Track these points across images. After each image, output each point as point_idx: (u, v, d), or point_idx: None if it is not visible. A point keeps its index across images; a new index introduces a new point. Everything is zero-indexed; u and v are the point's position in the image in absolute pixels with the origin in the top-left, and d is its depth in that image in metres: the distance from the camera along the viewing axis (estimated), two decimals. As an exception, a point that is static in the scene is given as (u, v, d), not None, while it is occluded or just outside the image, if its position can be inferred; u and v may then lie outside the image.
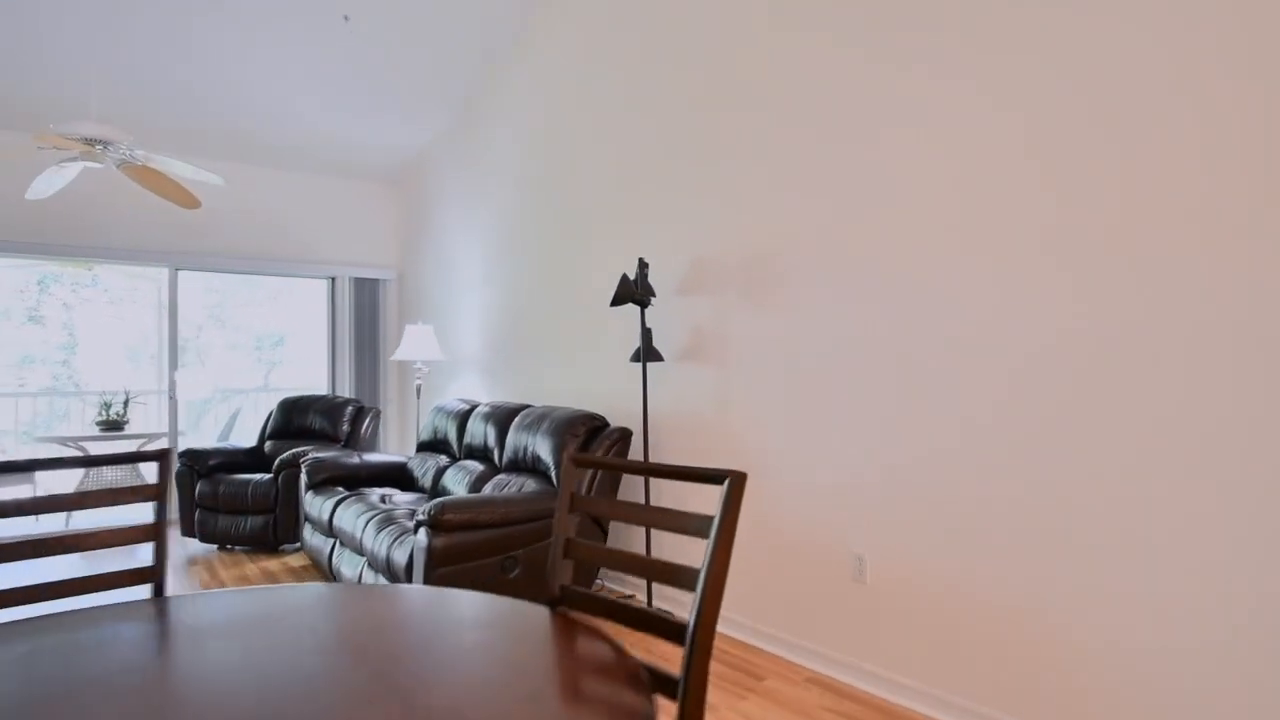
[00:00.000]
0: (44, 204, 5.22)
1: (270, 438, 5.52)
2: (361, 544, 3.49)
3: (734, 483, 1.25)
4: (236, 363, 11.39)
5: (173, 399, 5.87)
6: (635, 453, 3.75)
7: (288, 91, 5.01)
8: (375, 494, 4.20)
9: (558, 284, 4.46)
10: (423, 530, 2.96)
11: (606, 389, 4.02)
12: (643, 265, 3.40)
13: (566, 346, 4.38)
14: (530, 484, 3.53)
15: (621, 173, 3.89)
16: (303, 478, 4.47)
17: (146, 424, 7.84)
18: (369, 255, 6.49)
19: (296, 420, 5.55)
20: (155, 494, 1.74)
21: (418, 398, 5.31)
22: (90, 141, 3.39)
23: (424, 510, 2.97)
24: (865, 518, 2.71)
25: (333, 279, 6.40)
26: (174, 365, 5.87)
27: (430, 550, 2.89)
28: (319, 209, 6.27)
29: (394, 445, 6.56)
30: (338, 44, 4.57)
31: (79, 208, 5.36)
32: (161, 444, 6.02)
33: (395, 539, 3.20)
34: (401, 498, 4.11)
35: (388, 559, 3.19)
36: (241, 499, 4.80)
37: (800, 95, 2.94)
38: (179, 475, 4.95)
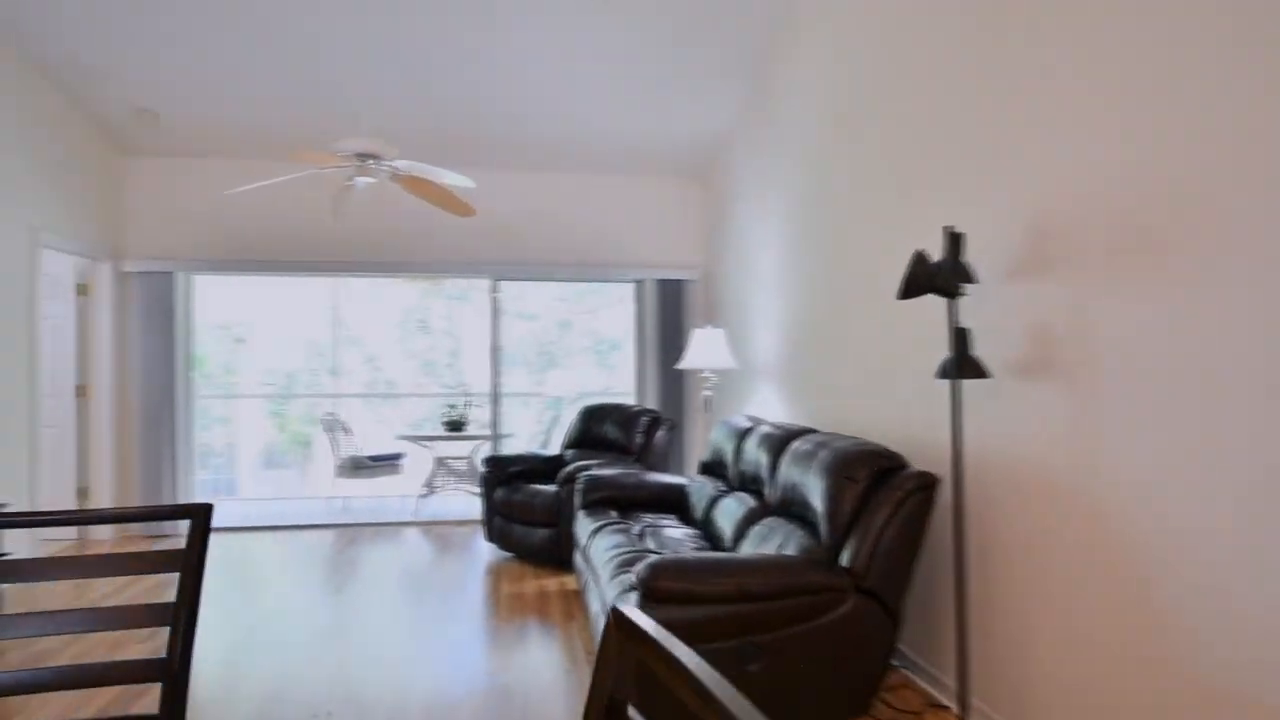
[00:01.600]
0: (381, 224, 5.79)
1: (570, 446, 5.43)
2: (600, 584, 2.99)
3: None
4: (585, 367, 12.20)
5: (495, 403, 6.15)
6: (943, 512, 2.65)
7: (582, 91, 4.80)
8: (641, 523, 3.70)
9: (848, 276, 3.50)
10: (634, 595, 2.31)
11: (906, 414, 2.96)
12: (953, 239, 2.32)
13: (857, 356, 3.40)
14: (796, 538, 2.67)
15: (929, 120, 2.80)
16: (576, 496, 4.18)
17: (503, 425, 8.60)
18: (673, 255, 6.13)
19: (594, 429, 5.38)
20: (179, 563, 1.33)
21: (706, 410, 4.73)
22: (361, 156, 3.42)
23: (636, 570, 2.32)
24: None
25: (639, 282, 6.17)
26: (497, 370, 6.14)
27: (639, 624, 2.23)
28: (624, 210, 6.08)
29: (698, 462, 6.10)
30: (623, 33, 4.18)
31: (412, 225, 5.85)
32: (484, 448, 6.37)
33: (622, 592, 2.61)
34: (671, 532, 3.54)
35: (611, 609, 2.61)
36: (530, 510, 4.70)
37: (1238, -91, 1.64)
38: (483, 479, 5.05)
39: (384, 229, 5.79)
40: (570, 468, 4.60)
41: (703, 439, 5.92)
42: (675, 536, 3.44)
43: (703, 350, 4.65)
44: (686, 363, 4.72)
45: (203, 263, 5.62)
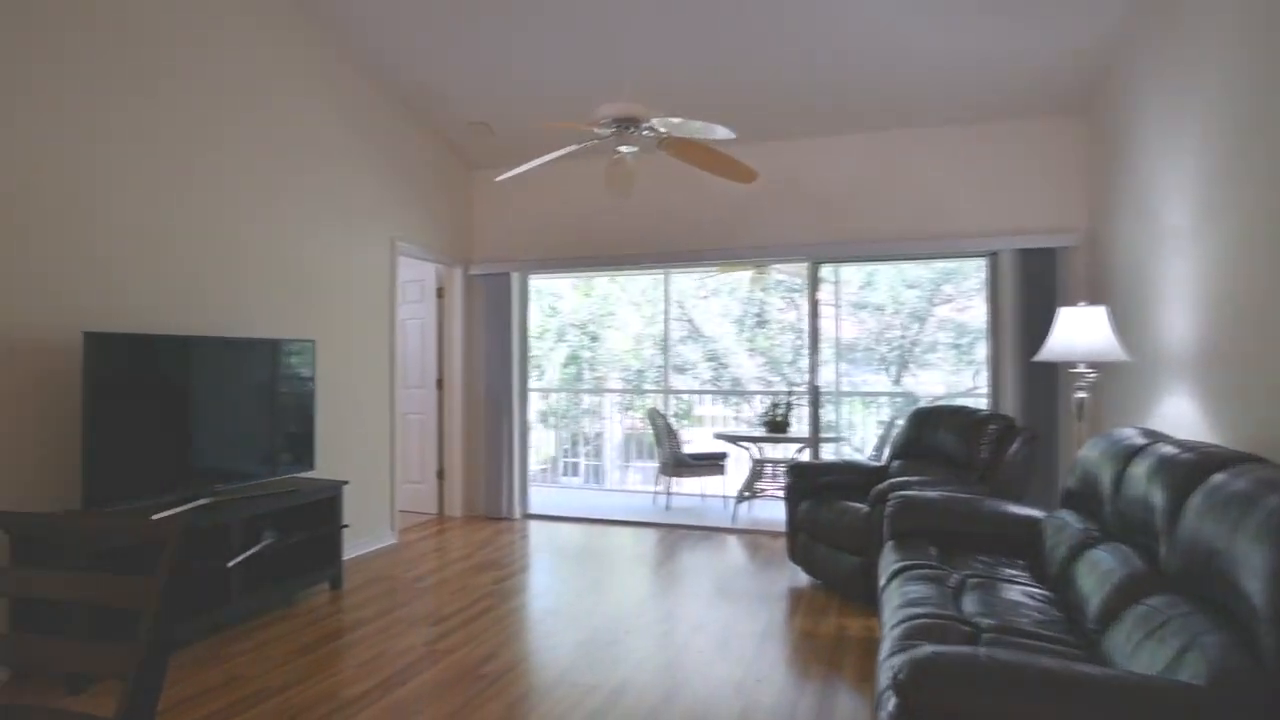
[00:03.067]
0: (694, 210, 5.45)
1: (897, 456, 4.50)
2: (879, 655, 2.18)
3: None
4: (944, 364, 10.64)
5: (814, 402, 5.43)
6: None
7: (911, 15, 3.87)
8: (965, 570, 2.74)
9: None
10: (891, 699, 1.50)
11: None
12: None
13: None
14: (1210, 643, 1.55)
15: None
16: (885, 520, 3.31)
17: (842, 428, 7.81)
18: (1039, 218, 4.76)
19: (926, 437, 4.37)
20: (141, 595, 0.98)
21: (1079, 418, 3.46)
22: (620, 123, 3.05)
23: (895, 664, 1.51)
24: None
25: (993, 255, 4.92)
26: (815, 363, 5.42)
27: (895, 750, 1.42)
28: (971, 167, 4.90)
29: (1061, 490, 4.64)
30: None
31: (724, 210, 5.42)
32: (804, 453, 5.68)
33: (887, 686, 1.79)
34: (1007, 590, 2.53)
35: (877, 704, 1.82)
36: (835, 531, 3.93)
37: None
38: (787, 490, 4.41)
39: (697, 215, 5.48)
40: (884, 484, 3.73)
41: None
42: (1010, 598, 2.42)
43: (1074, 336, 3.40)
44: (1048, 352, 3.50)
45: (533, 263, 5.90)
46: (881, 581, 2.84)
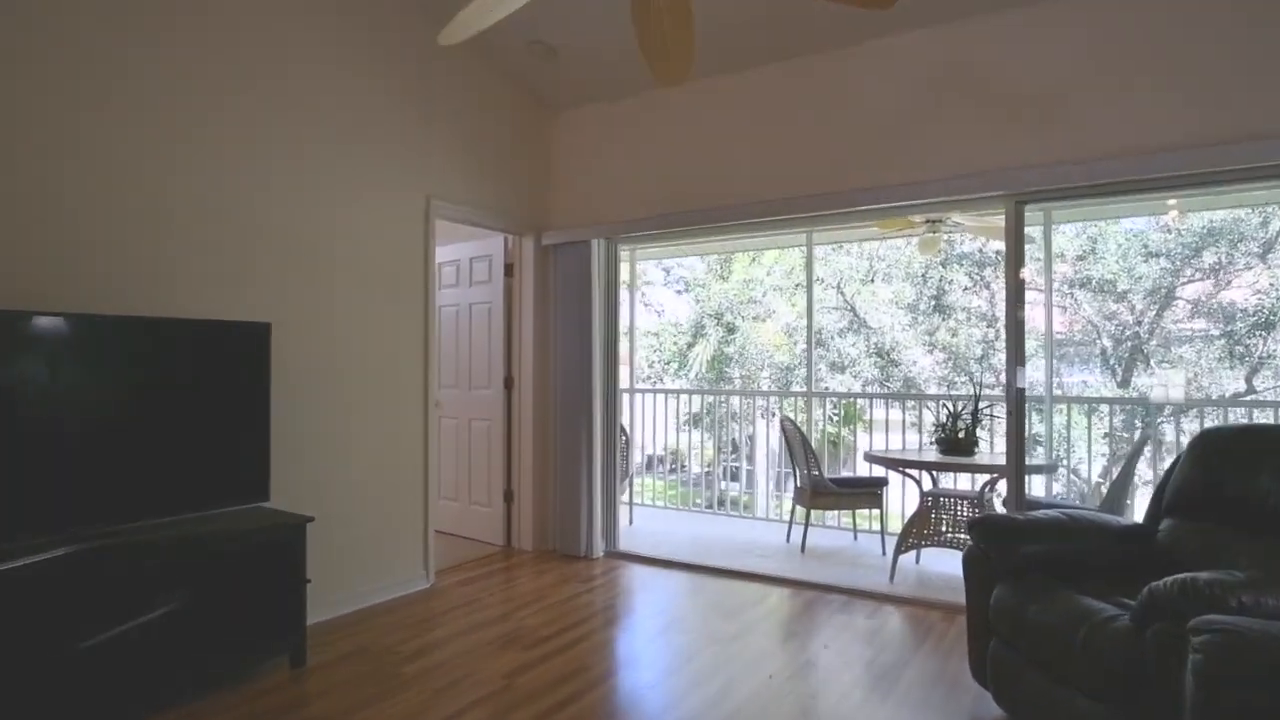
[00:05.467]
0: (812, 144, 3.83)
1: (1170, 512, 2.66)
2: None
3: None
4: (1204, 359, 7.99)
5: (1016, 412, 3.61)
6: None
7: None
8: None
9: None
10: None
11: None
12: None
13: None
14: None
15: None
16: (1194, 670, 1.59)
17: (1054, 450, 5.76)
18: None
19: (1231, 481, 2.51)
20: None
21: None
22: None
23: None
24: None
25: (1344, 170, 2.89)
26: (1016, 356, 3.61)
27: None
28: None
29: None
30: None
31: (858, 138, 3.76)
32: (999, 486, 3.85)
33: None
34: None
35: None
36: (1063, 649, 2.20)
37: None
38: (967, 562, 2.70)
39: (832, 147, 3.88)
40: (1169, 584, 1.95)
41: None
42: None
43: None
44: None
45: (621, 226, 4.54)
46: None
